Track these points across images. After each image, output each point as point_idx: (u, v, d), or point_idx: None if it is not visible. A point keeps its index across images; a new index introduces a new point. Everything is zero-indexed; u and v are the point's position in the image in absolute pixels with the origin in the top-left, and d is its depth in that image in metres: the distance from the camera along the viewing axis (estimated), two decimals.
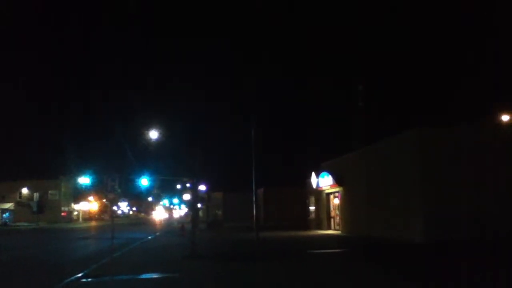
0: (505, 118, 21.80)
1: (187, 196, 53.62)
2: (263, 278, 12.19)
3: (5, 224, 65.59)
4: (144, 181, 37.47)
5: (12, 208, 73.55)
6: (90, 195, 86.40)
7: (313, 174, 34.39)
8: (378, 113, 38.78)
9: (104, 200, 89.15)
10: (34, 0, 73.62)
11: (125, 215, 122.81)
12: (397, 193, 22.80)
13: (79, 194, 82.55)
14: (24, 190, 75.63)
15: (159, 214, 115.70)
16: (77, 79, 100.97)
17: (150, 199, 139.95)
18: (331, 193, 33.13)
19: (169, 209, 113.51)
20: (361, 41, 63.37)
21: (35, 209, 69.52)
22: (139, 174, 38.30)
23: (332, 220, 33.36)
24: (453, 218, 19.67)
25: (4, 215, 71.59)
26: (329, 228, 33.11)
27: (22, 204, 73.89)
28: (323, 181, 32.40)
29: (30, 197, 74.72)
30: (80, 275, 12.52)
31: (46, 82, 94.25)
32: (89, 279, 12.16)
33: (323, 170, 32.62)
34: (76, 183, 69.65)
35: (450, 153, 20.98)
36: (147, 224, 66.58)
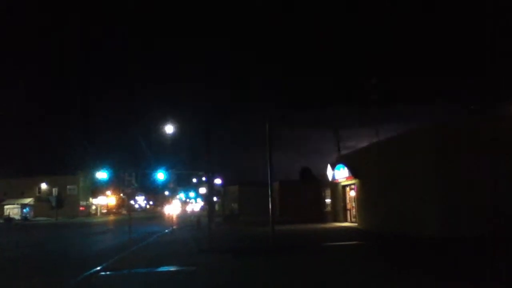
0: None
1: (203, 190, 53.92)
2: (278, 271, 12.23)
3: (25, 219, 66.87)
4: (160, 175, 37.81)
5: (31, 203, 74.95)
6: (107, 190, 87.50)
7: (329, 166, 34.27)
8: (392, 106, 38.33)
9: (122, 195, 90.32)
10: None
11: (142, 209, 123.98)
12: (413, 187, 22.58)
13: (97, 189, 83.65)
14: (43, 186, 76.92)
15: (172, 208, 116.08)
16: (96, 76, 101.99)
17: (166, 193, 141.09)
18: (347, 185, 33.00)
19: (184, 203, 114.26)
20: (372, 35, 62.74)
21: (54, 204, 70.71)
22: (156, 168, 38.68)
23: (348, 212, 33.24)
24: (469, 213, 19.42)
25: (24, 210, 72.99)
26: (346, 221, 33.01)
27: (41, 199, 75.22)
28: (339, 174, 32.28)
29: (49, 192, 75.98)
30: (99, 268, 12.73)
31: (65, 78, 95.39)
32: (108, 272, 12.35)
33: (339, 162, 32.50)
34: (93, 178, 70.64)
35: (466, 147, 20.66)
36: (164, 218, 67.19)
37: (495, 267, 11.26)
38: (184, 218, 56.35)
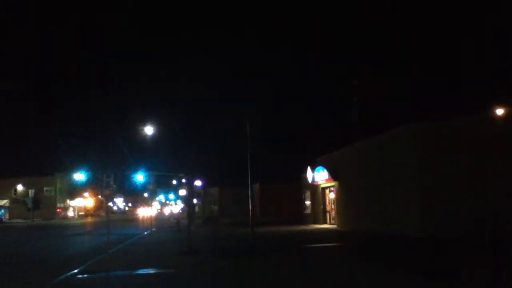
0: (501, 112, 21.80)
1: (183, 192, 53.59)
2: (258, 273, 12.21)
3: (0, 221, 65.40)
4: (139, 177, 37.51)
5: (7, 205, 73.32)
6: (85, 191, 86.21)
7: (309, 168, 34.46)
8: (374, 108, 38.76)
9: (100, 196, 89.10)
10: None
11: (121, 211, 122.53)
12: (393, 188, 22.87)
13: (75, 191, 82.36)
14: (19, 187, 75.39)
15: (148, 210, 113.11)
16: (72, 76, 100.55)
17: (146, 195, 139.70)
18: (326, 187, 33.22)
19: (163, 205, 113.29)
20: (356, 36, 63.37)
21: (30, 205, 69.32)
22: (135, 170, 38.33)
23: (328, 214, 33.47)
24: (449, 213, 19.77)
25: None
26: (325, 223, 33.22)
27: (17, 200, 73.68)
28: (319, 176, 32.48)
29: (25, 194, 74.50)
30: (76, 271, 12.50)
31: (40, 79, 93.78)
32: (85, 275, 12.14)
33: (319, 164, 32.70)
34: (71, 180, 69.44)
35: (447, 147, 21.05)
36: (143, 220, 66.55)
37: (471, 267, 11.47)
38: (163, 220, 55.98)
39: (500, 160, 20.31)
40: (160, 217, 67.75)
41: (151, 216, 44.21)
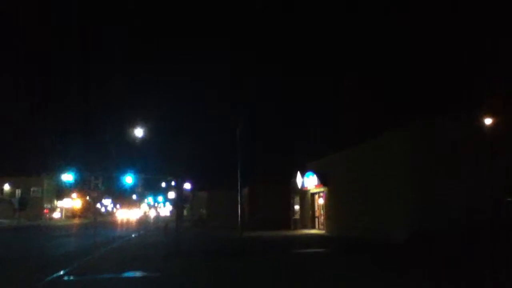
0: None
1: (171, 195, 53.36)
2: (245, 277, 12.18)
3: None
4: (128, 179, 37.20)
5: None
6: (73, 193, 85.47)
7: (299, 174, 34.47)
8: (364, 113, 38.86)
9: (88, 198, 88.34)
10: None
11: (109, 213, 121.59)
12: (381, 194, 22.98)
13: (62, 192, 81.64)
14: (6, 187, 74.51)
15: (132, 212, 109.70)
16: (60, 76, 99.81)
17: (134, 197, 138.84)
18: (316, 193, 33.27)
19: (152, 207, 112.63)
20: (348, 37, 63.63)
21: (16, 206, 68.28)
22: (124, 171, 38.05)
23: (316, 220, 33.50)
24: (437, 220, 19.85)
25: None
26: (314, 228, 33.24)
27: (3, 200, 72.78)
28: (309, 181, 32.51)
29: (11, 194, 73.64)
30: (61, 273, 12.38)
31: (29, 79, 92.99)
32: (71, 278, 12.03)
33: (309, 170, 32.73)
34: (59, 180, 68.85)
35: (435, 154, 21.24)
36: (131, 222, 66.13)
37: (461, 272, 11.55)
38: (149, 223, 55.68)
39: (489, 161, 20.59)
40: (146, 220, 67.40)
41: (136, 219, 43.85)
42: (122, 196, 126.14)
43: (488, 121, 21.78)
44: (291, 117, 71.68)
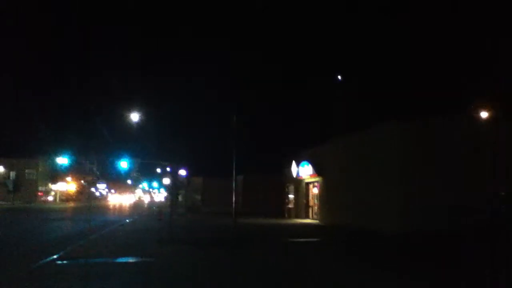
0: (481, 111, 22.19)
1: (167, 180, 53.30)
2: (238, 264, 12.28)
3: None
4: (123, 164, 37.19)
5: None
6: (68, 176, 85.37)
7: (294, 163, 34.55)
8: (358, 103, 38.86)
9: (82, 182, 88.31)
10: None
11: (103, 197, 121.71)
12: (375, 184, 23.11)
13: (57, 175, 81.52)
14: (0, 168, 74.30)
15: (126, 197, 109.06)
16: (58, 60, 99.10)
17: (129, 181, 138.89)
18: (310, 182, 33.39)
19: (146, 192, 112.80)
20: (342, 33, 63.46)
21: (11, 188, 68.25)
22: (119, 156, 38.02)
23: (310, 209, 33.68)
24: (429, 209, 20.04)
25: None
26: (307, 217, 33.43)
27: None
28: (303, 170, 32.60)
29: (6, 176, 73.44)
30: (55, 257, 12.42)
31: (27, 62, 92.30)
32: (64, 261, 12.07)
33: (304, 159, 32.78)
34: (54, 163, 68.69)
35: (427, 144, 21.41)
36: (124, 207, 66.21)
37: (449, 260, 11.69)
38: (143, 208, 55.74)
39: (480, 158, 20.77)
40: (140, 205, 67.48)
41: (129, 204, 43.97)
42: (117, 181, 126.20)
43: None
44: (289, 107, 71.78)
